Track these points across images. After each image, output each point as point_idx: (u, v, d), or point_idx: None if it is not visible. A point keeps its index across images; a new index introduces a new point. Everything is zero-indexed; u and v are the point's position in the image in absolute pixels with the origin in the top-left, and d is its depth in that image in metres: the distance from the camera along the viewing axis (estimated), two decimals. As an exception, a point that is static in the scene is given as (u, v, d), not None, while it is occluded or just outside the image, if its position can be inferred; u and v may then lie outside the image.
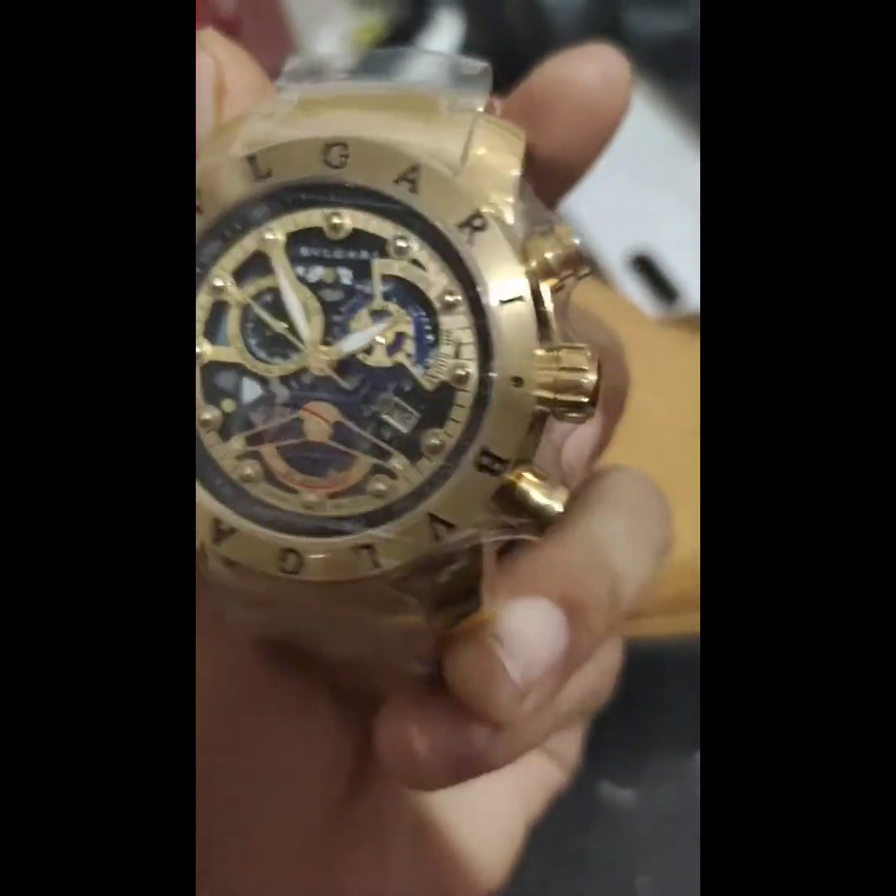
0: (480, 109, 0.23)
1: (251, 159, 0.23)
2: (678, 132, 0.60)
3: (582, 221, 0.59)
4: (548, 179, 0.28)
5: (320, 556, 0.22)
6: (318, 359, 0.23)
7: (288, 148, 0.23)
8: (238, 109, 0.25)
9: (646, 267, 0.59)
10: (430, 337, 0.22)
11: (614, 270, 0.58)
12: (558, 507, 0.21)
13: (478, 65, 0.24)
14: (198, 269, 0.23)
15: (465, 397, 0.21)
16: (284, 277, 0.23)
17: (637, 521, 0.29)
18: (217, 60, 0.26)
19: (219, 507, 0.23)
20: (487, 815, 0.33)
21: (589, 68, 0.26)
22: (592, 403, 0.22)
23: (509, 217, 0.22)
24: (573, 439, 0.25)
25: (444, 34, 0.70)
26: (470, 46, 0.69)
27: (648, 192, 0.57)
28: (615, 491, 0.29)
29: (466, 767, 0.25)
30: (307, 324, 0.23)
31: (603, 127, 0.27)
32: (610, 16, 0.60)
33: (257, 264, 0.23)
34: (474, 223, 0.21)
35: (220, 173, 0.23)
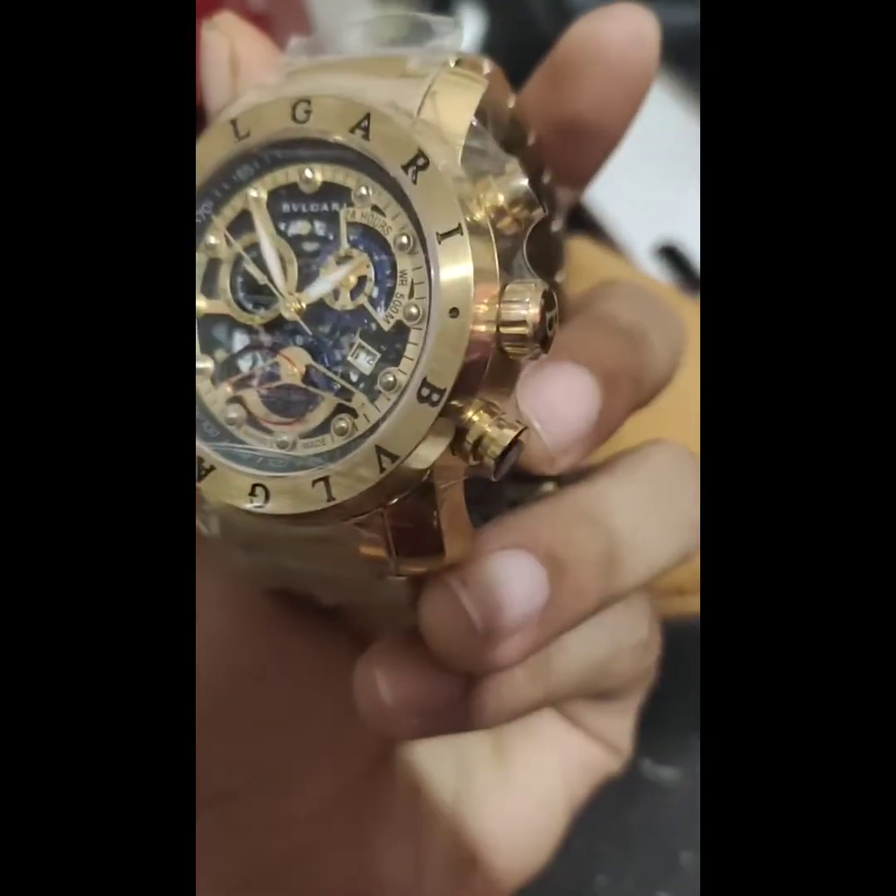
0: (452, 64, 0.24)
1: (233, 122, 0.24)
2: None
3: (610, 212, 0.60)
4: (583, 142, 0.28)
5: (284, 490, 0.23)
6: (287, 305, 0.24)
7: (262, 108, 0.24)
8: (254, 82, 0.27)
9: (672, 256, 0.59)
10: (385, 279, 0.23)
11: (642, 260, 0.59)
12: (506, 441, 0.22)
13: (447, 21, 0.25)
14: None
15: (418, 335, 0.22)
16: (263, 232, 0.24)
17: (660, 493, 0.27)
18: (230, 38, 0.27)
19: (202, 446, 0.24)
20: (528, 795, 0.32)
21: (615, 27, 0.26)
22: (538, 339, 0.22)
23: (458, 158, 0.22)
24: (557, 414, 0.24)
25: (467, 30, 0.71)
26: (492, 42, 0.69)
27: (675, 182, 0.57)
28: (638, 462, 0.27)
29: (436, 721, 0.25)
30: (283, 274, 0.24)
31: (632, 85, 0.27)
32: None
33: (244, 222, 0.25)
34: (417, 163, 0.22)
35: (207, 138, 0.25)
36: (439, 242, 0.22)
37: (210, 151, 0.25)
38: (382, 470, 0.22)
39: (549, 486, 0.28)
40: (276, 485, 0.23)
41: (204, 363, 0.25)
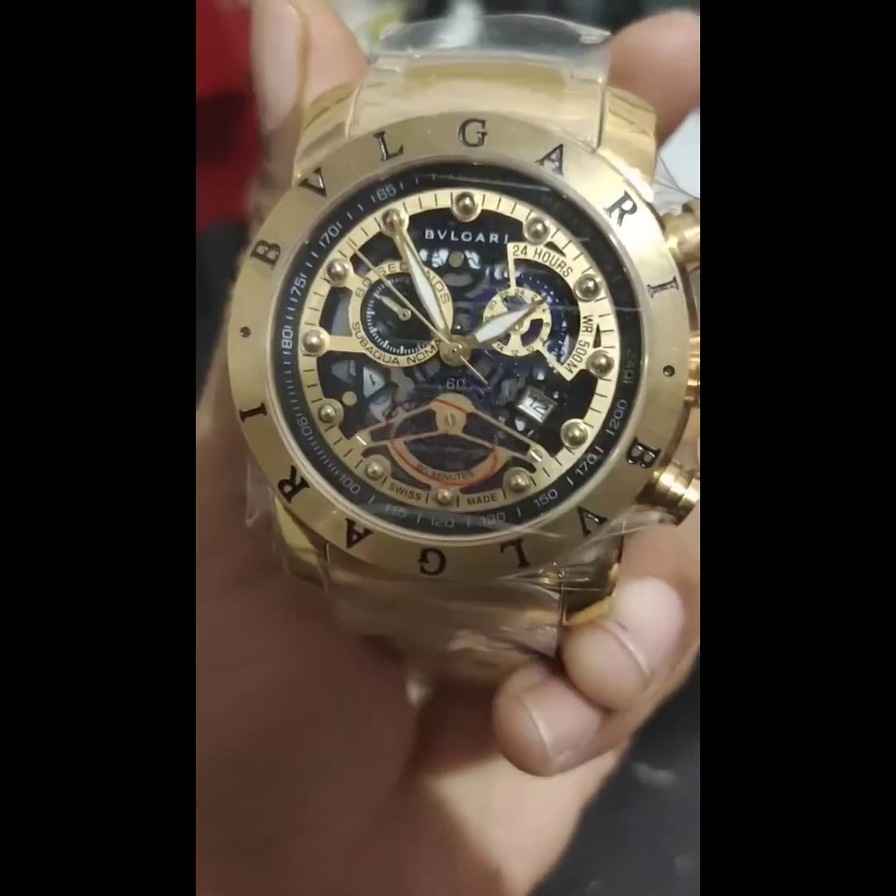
0: (601, 80, 0.23)
1: (380, 136, 0.21)
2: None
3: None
4: None
5: (464, 554, 0.21)
6: (452, 348, 0.22)
7: (421, 124, 0.21)
8: (327, 71, 0.24)
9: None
10: (564, 323, 0.21)
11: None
12: (696, 498, 0.21)
13: (597, 33, 0.23)
14: (313, 254, 0.22)
15: (607, 386, 0.21)
16: (414, 262, 0.22)
17: None
18: (302, 14, 0.24)
19: (351, 507, 0.22)
20: (547, 800, 0.33)
21: (673, 36, 0.26)
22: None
23: (649, 196, 0.21)
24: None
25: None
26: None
27: (684, 179, 0.58)
28: None
29: (587, 753, 0.25)
30: (439, 311, 0.22)
31: (686, 93, 0.27)
32: (633, 8, 0.61)
33: (379, 248, 0.22)
34: (623, 206, 0.21)
35: (344, 151, 0.22)
36: (653, 295, 0.21)
37: (348, 167, 0.22)
38: (587, 532, 0.21)
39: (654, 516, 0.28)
40: (451, 548, 0.21)
41: (331, 408, 0.22)
